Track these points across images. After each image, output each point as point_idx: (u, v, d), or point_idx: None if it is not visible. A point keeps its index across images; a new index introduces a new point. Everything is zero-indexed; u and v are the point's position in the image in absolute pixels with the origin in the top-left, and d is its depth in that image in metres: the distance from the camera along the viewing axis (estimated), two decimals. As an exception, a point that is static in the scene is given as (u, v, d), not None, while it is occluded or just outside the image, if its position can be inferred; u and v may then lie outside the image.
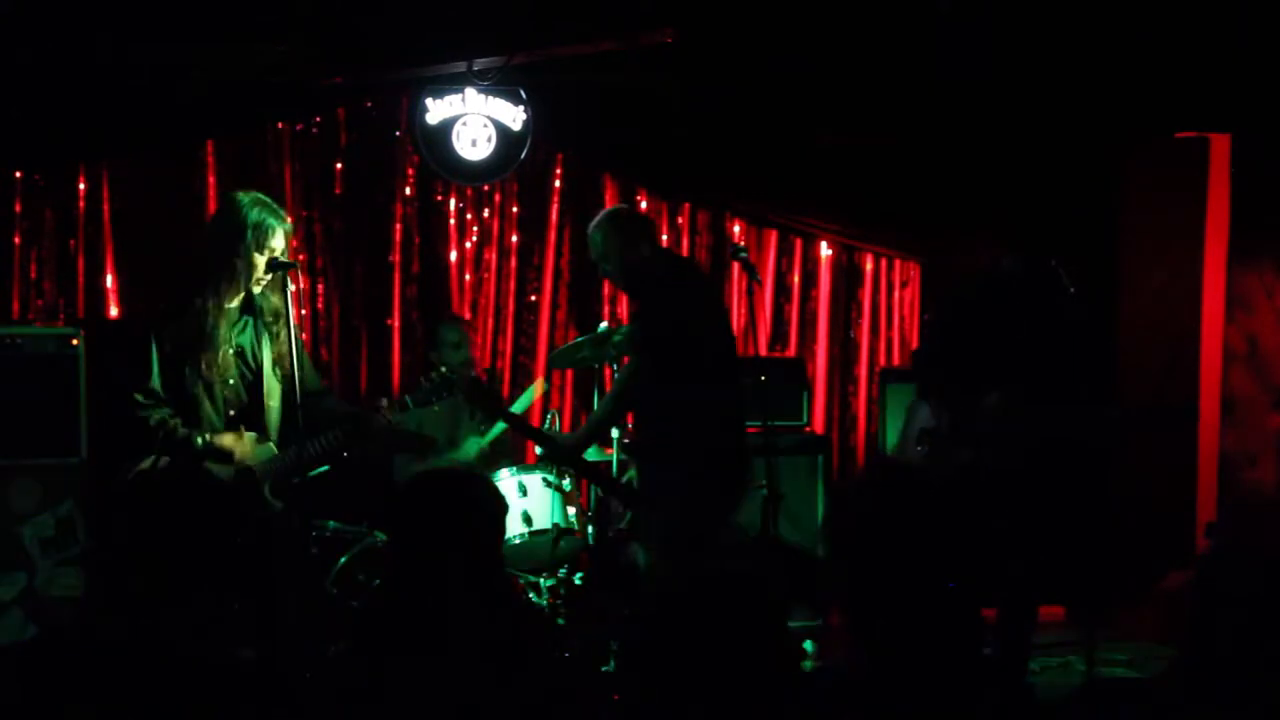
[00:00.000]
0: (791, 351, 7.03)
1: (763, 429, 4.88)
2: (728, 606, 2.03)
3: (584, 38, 5.77)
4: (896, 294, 7.25)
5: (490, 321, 6.56)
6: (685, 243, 6.87)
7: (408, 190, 6.41)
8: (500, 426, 5.60)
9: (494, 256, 6.56)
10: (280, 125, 6.13)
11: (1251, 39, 5.57)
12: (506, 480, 5.32)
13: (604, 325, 5.55)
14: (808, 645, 5.62)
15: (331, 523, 5.16)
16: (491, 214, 6.57)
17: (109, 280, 5.90)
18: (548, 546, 5.28)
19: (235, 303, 4.11)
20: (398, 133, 6.33)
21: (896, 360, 7.14)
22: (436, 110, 6.09)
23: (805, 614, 5.84)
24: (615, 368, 5.47)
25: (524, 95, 6.18)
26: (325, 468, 4.36)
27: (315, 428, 4.17)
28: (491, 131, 6.15)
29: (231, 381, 4.11)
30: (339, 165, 6.29)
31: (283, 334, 4.15)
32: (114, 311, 5.89)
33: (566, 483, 5.39)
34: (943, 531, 2.07)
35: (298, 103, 6.07)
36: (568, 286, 6.68)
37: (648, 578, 4.85)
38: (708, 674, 1.97)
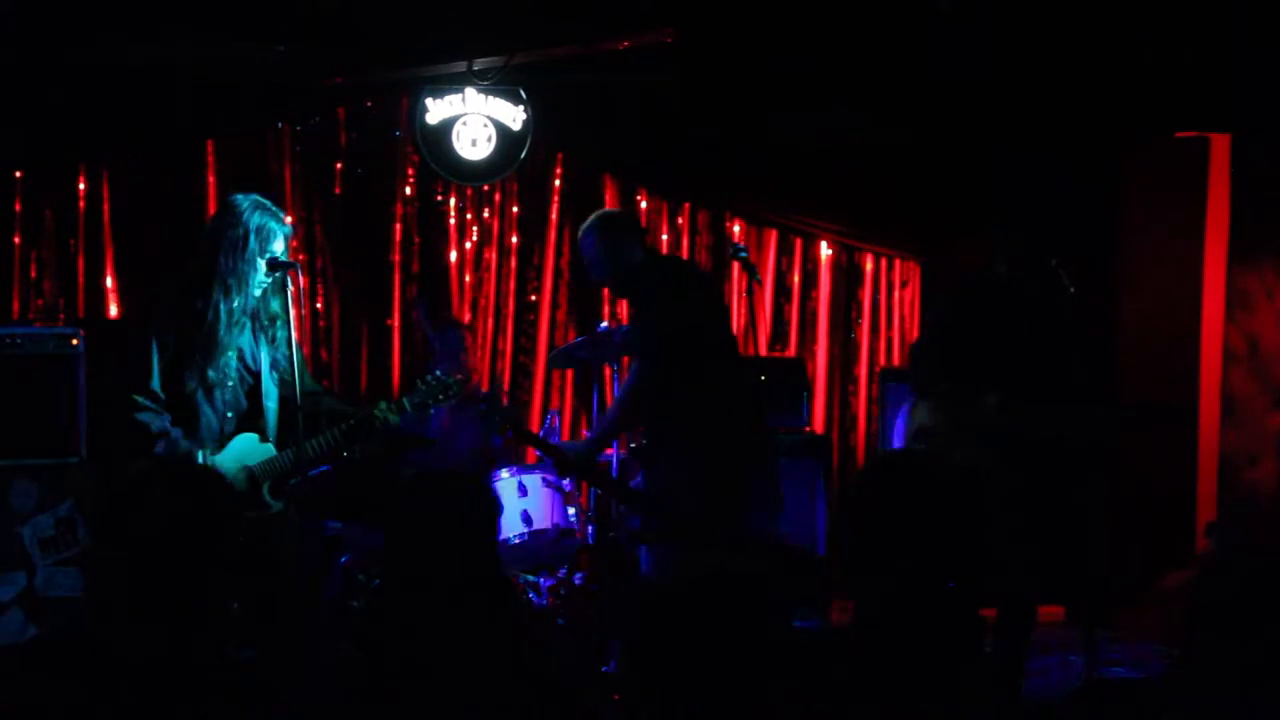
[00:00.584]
0: (791, 351, 7.03)
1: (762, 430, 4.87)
2: (728, 606, 2.03)
3: (584, 38, 5.77)
4: (896, 294, 7.25)
5: (490, 321, 6.57)
6: (685, 243, 6.88)
7: (408, 190, 6.41)
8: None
9: (494, 256, 6.56)
10: (280, 125, 6.14)
11: (1251, 39, 5.57)
12: (506, 480, 5.32)
13: (604, 325, 5.55)
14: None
15: (331, 522, 5.17)
16: (491, 214, 6.57)
17: (109, 280, 5.90)
18: (547, 546, 5.28)
19: (235, 305, 4.10)
20: (398, 133, 6.33)
21: (896, 360, 7.14)
22: (436, 110, 6.09)
23: (805, 614, 5.84)
24: (615, 368, 5.47)
25: (524, 95, 6.19)
26: (325, 468, 4.36)
27: (314, 428, 4.17)
28: (491, 131, 6.16)
29: (231, 384, 4.11)
30: (339, 165, 6.29)
31: (281, 335, 4.15)
32: (114, 311, 5.89)
33: (567, 483, 5.39)
34: (948, 519, 2.08)
35: (298, 103, 6.07)
36: (568, 286, 6.69)
37: (651, 578, 4.85)
38: (708, 674, 1.97)
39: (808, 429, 6.48)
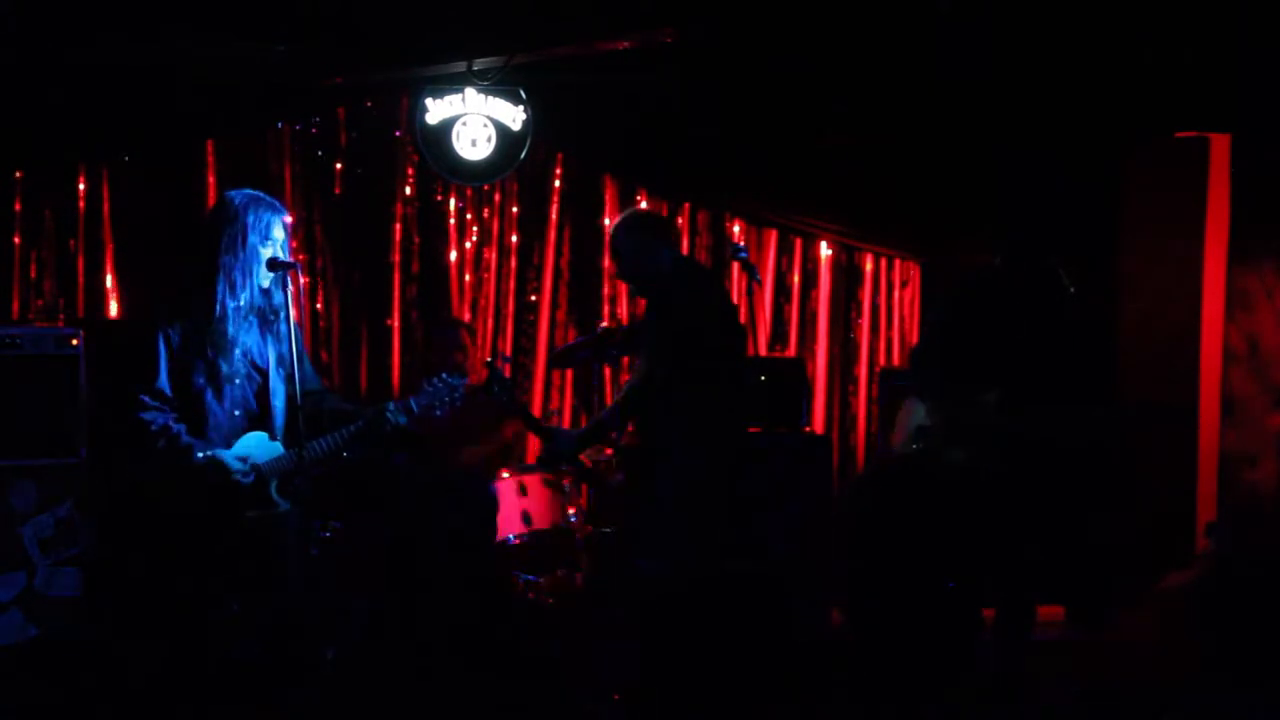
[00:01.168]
0: (791, 351, 7.03)
1: (763, 429, 4.88)
2: (728, 606, 2.03)
3: (584, 38, 5.77)
4: (896, 294, 7.26)
5: (490, 321, 6.57)
6: (685, 243, 6.88)
7: (408, 190, 6.41)
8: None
9: (494, 256, 6.57)
10: (280, 125, 6.14)
11: (1251, 39, 5.56)
12: (506, 480, 5.32)
13: (604, 325, 5.56)
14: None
15: (331, 523, 5.17)
16: (491, 214, 6.57)
17: (109, 280, 5.91)
18: (547, 546, 5.28)
19: (241, 302, 4.10)
20: (398, 133, 6.34)
21: (896, 360, 7.15)
22: (436, 110, 6.10)
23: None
24: (615, 368, 5.48)
25: (524, 95, 6.19)
26: (325, 468, 4.36)
27: (317, 427, 4.17)
28: (491, 131, 6.16)
29: (238, 382, 4.11)
30: (339, 165, 6.29)
31: (283, 332, 4.15)
32: (114, 311, 5.90)
33: (566, 483, 5.39)
34: (941, 524, 2.07)
35: (298, 103, 6.07)
36: (568, 286, 6.69)
37: (648, 579, 4.85)
38: (708, 674, 1.97)
39: (808, 429, 6.47)
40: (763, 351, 6.74)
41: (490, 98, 6.16)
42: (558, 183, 6.65)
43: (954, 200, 6.65)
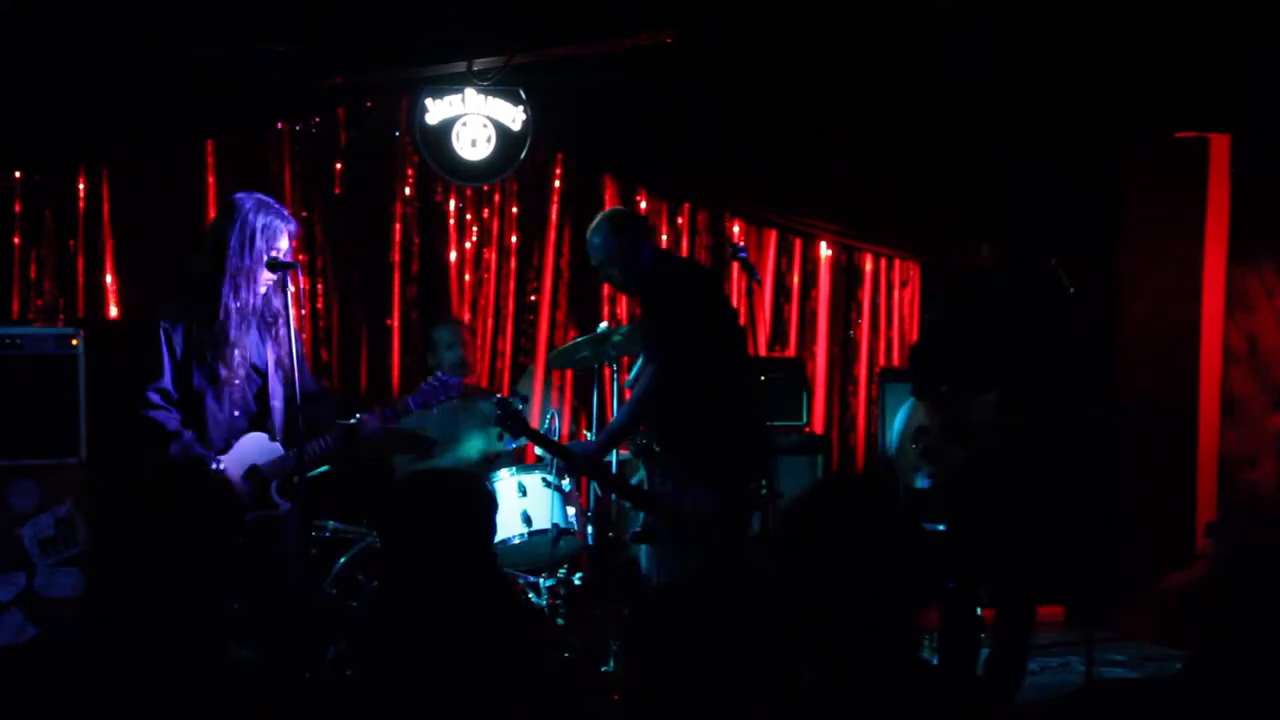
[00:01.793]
0: (791, 351, 7.03)
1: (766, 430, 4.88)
2: (729, 606, 2.03)
3: (584, 38, 5.77)
4: (896, 294, 7.26)
5: (490, 321, 6.56)
6: (685, 243, 6.88)
7: (407, 190, 6.41)
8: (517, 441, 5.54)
9: (494, 256, 6.56)
10: (280, 125, 6.13)
11: (1251, 39, 5.56)
12: (506, 480, 5.32)
13: (604, 325, 5.55)
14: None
15: (331, 522, 5.17)
16: (491, 214, 6.56)
17: (109, 280, 5.90)
18: (547, 546, 5.27)
19: (245, 303, 4.11)
20: (397, 133, 6.33)
21: (896, 360, 7.14)
22: (436, 110, 6.09)
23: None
24: (615, 368, 5.47)
25: (524, 95, 6.19)
26: (325, 468, 4.36)
27: (314, 429, 4.18)
28: (491, 131, 6.16)
29: (238, 383, 4.12)
30: (339, 165, 6.28)
31: (282, 334, 4.16)
32: (114, 311, 5.89)
33: (566, 483, 5.39)
34: (891, 547, 2.05)
35: (298, 103, 6.06)
36: (567, 286, 6.68)
37: (654, 578, 4.85)
38: (709, 675, 1.97)
39: (807, 429, 6.48)
40: (763, 351, 6.75)
41: (490, 98, 6.15)
42: (558, 183, 6.65)
43: (954, 200, 6.65)
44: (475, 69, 6.04)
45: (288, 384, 4.17)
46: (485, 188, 6.47)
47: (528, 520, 5.27)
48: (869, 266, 7.19)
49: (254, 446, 4.11)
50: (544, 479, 5.34)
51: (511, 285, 6.59)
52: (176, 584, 2.45)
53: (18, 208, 5.75)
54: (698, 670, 1.96)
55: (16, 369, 4.98)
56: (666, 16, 5.61)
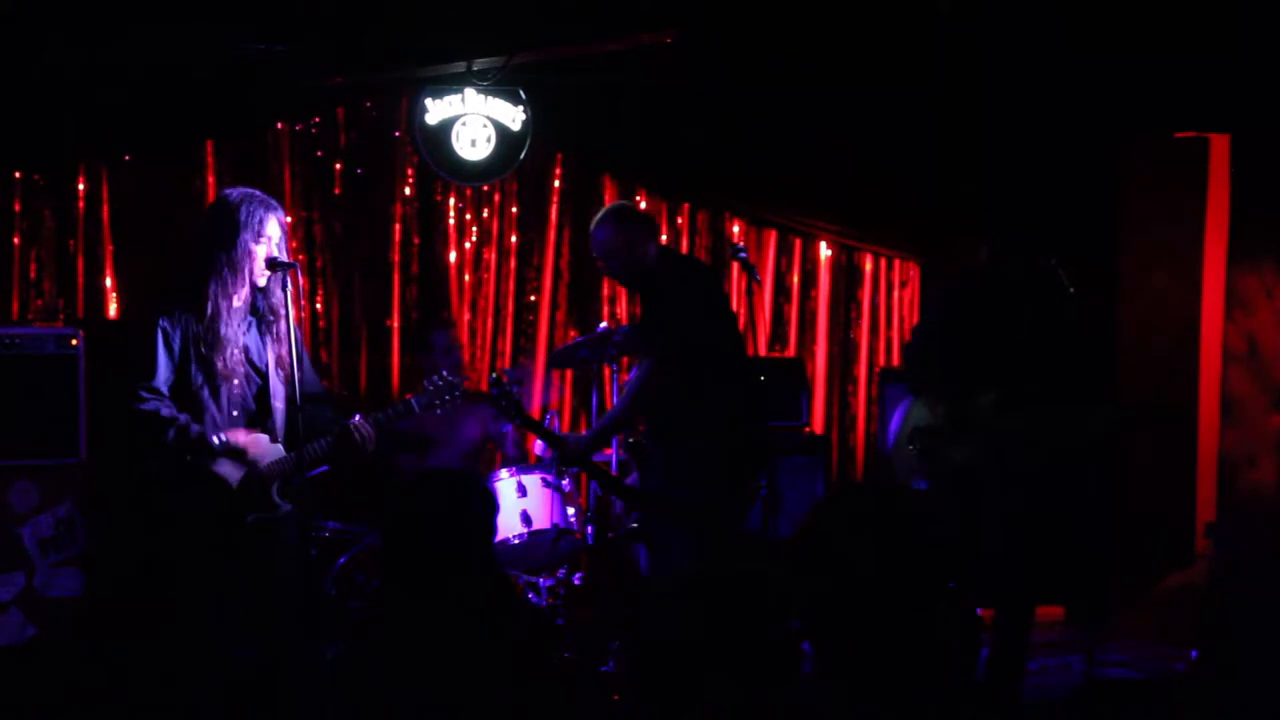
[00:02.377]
0: (791, 351, 7.03)
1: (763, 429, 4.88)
2: (729, 606, 2.03)
3: (584, 38, 5.77)
4: (896, 294, 7.26)
5: (490, 321, 6.56)
6: (685, 243, 6.88)
7: (407, 190, 6.41)
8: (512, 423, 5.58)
9: (494, 256, 6.56)
10: (280, 125, 6.13)
11: (1251, 39, 5.57)
12: (506, 480, 5.32)
13: (604, 325, 5.56)
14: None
15: (331, 522, 5.17)
16: (491, 214, 6.56)
17: (109, 280, 5.90)
18: (547, 546, 5.28)
19: (239, 301, 4.10)
20: (397, 133, 6.33)
21: (896, 360, 7.14)
22: (436, 110, 6.09)
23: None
24: (615, 368, 5.47)
25: (524, 95, 6.19)
26: (325, 468, 4.36)
27: (313, 431, 4.17)
28: (491, 131, 6.16)
29: (237, 382, 4.11)
30: (339, 165, 6.28)
31: (282, 334, 4.15)
32: (114, 311, 5.89)
33: (566, 483, 5.39)
34: (909, 557, 2.04)
35: (298, 103, 6.06)
36: (567, 286, 6.68)
37: (650, 578, 4.85)
38: (708, 674, 1.97)
39: (807, 429, 6.48)
40: (762, 351, 6.75)
41: (490, 98, 6.15)
42: (557, 183, 6.65)
43: (953, 200, 6.65)
44: (475, 69, 6.04)
45: (289, 384, 4.16)
46: (485, 188, 6.47)
47: (528, 520, 5.27)
48: (869, 266, 7.20)
49: (261, 445, 4.10)
50: (544, 479, 5.34)
51: (511, 285, 6.59)
52: (176, 584, 2.45)
53: (17, 208, 5.75)
54: (698, 671, 1.96)
55: (16, 369, 4.99)
56: (666, 16, 5.61)
